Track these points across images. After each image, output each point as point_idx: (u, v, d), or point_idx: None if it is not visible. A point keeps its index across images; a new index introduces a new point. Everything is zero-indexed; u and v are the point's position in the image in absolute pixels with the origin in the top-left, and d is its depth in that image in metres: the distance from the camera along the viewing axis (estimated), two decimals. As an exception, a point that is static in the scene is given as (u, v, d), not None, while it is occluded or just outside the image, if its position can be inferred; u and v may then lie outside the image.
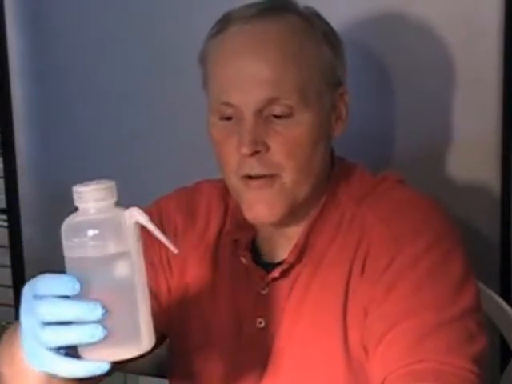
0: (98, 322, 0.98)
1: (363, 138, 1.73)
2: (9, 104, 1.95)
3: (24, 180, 2.00)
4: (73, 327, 0.98)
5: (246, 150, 1.23)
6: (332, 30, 1.32)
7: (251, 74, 1.24)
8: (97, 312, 0.97)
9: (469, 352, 1.15)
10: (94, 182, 1.03)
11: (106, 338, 0.98)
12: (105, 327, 0.98)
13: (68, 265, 1.03)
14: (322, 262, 1.28)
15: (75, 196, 1.02)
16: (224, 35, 1.28)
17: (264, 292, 1.31)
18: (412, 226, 1.24)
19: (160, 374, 1.57)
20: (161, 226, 1.39)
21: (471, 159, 1.67)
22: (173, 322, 1.38)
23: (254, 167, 1.24)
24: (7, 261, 2.01)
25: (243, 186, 1.27)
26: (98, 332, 0.97)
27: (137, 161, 1.91)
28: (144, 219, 1.04)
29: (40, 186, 2.02)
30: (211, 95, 1.29)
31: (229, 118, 1.26)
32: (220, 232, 1.38)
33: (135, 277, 1.02)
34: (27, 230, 2.01)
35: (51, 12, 1.93)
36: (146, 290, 1.03)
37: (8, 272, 2.01)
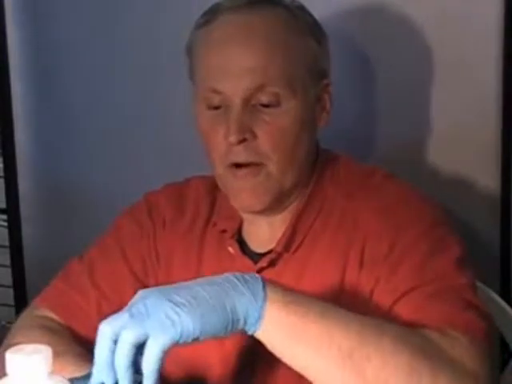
0: None
1: (361, 135, 1.73)
2: (9, 103, 1.94)
3: (24, 180, 1.99)
4: None
5: (233, 138, 1.25)
6: (317, 24, 1.35)
7: (239, 62, 1.26)
8: None
9: (474, 312, 1.18)
10: (28, 348, 0.97)
11: None
12: None
13: None
14: (312, 254, 1.30)
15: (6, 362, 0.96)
16: (211, 25, 1.30)
17: None
18: (410, 215, 1.27)
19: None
20: (150, 219, 1.42)
21: (471, 159, 1.67)
22: None
23: (241, 155, 1.26)
24: (7, 261, 2.00)
25: (230, 175, 1.29)
26: None
27: (137, 161, 1.91)
28: None
29: (40, 185, 2.02)
30: (198, 83, 1.31)
31: (216, 108, 1.28)
32: (207, 224, 1.39)
33: None
34: (27, 230, 2.01)
35: (51, 12, 1.93)
36: None
37: (8, 272, 2.01)
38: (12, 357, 0.96)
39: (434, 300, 1.18)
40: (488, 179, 1.67)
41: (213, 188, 1.41)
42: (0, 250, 2.00)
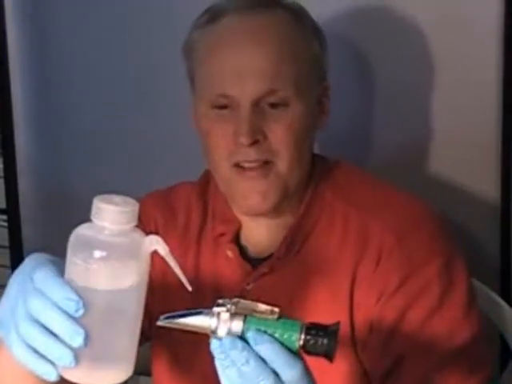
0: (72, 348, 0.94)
1: (358, 139, 1.73)
2: (9, 104, 1.94)
3: (24, 180, 1.99)
4: (49, 339, 0.94)
5: (245, 140, 1.24)
6: (318, 26, 1.34)
7: (249, 66, 1.25)
8: (76, 340, 0.93)
9: (478, 379, 1.19)
10: (117, 199, 0.96)
11: (88, 361, 0.93)
12: (76, 356, 0.93)
13: (69, 275, 0.96)
14: (315, 261, 1.28)
15: (94, 209, 0.95)
16: (215, 26, 1.29)
17: (249, 287, 1.30)
18: (424, 245, 1.25)
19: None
20: (139, 222, 1.40)
21: (470, 161, 1.67)
22: (154, 322, 1.38)
23: (251, 155, 1.25)
24: (7, 261, 2.00)
25: (236, 175, 1.27)
26: (66, 358, 0.94)
27: (137, 161, 1.91)
28: (164, 250, 0.96)
29: (40, 186, 2.02)
30: (203, 86, 1.30)
31: (221, 108, 1.27)
32: (201, 230, 1.37)
33: (137, 309, 0.97)
34: (27, 230, 2.01)
35: (51, 11, 1.93)
36: (141, 318, 0.98)
37: (8, 272, 2.00)
38: (99, 204, 0.94)
39: (438, 371, 1.18)
40: (487, 180, 1.67)
41: (203, 193, 1.40)
42: (0, 250, 2.00)
